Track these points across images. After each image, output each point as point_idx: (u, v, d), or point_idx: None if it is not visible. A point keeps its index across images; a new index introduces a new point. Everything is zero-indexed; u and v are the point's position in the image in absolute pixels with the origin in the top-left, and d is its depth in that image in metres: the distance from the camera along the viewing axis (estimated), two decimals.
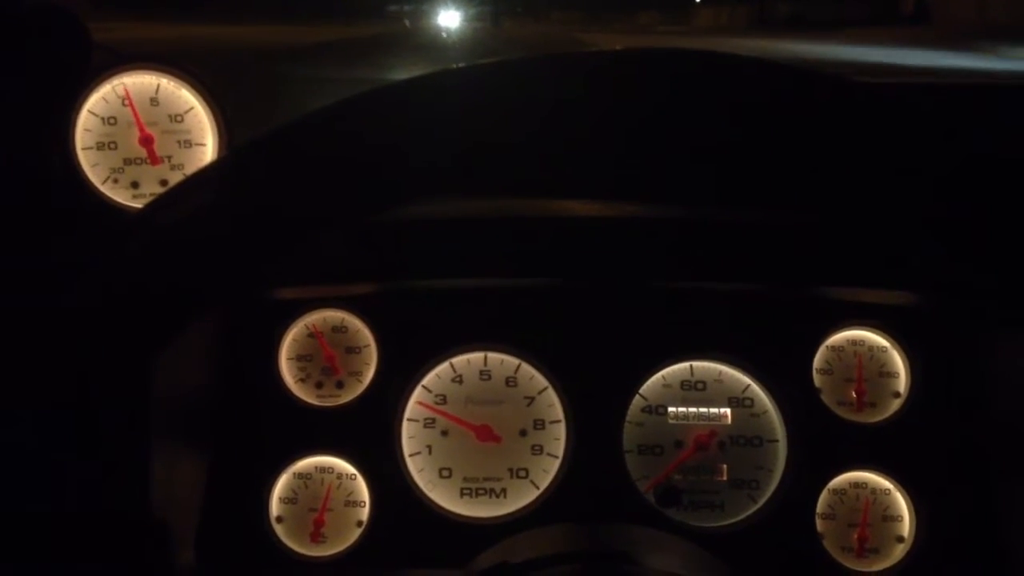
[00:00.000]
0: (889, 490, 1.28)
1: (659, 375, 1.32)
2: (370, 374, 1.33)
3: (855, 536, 1.27)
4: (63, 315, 0.74)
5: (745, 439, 1.30)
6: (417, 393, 1.32)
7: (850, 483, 1.28)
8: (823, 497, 1.28)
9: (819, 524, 1.27)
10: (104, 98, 1.21)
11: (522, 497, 1.30)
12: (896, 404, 1.30)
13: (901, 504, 1.28)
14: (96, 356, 0.75)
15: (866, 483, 1.28)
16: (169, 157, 1.23)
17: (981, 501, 1.25)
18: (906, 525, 1.27)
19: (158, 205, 0.73)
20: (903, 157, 0.63)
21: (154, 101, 1.22)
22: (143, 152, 1.21)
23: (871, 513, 1.28)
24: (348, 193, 0.71)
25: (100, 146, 1.21)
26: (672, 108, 0.67)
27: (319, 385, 1.33)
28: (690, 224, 1.27)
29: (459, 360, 1.33)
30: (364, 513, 1.29)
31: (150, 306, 0.75)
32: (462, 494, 1.30)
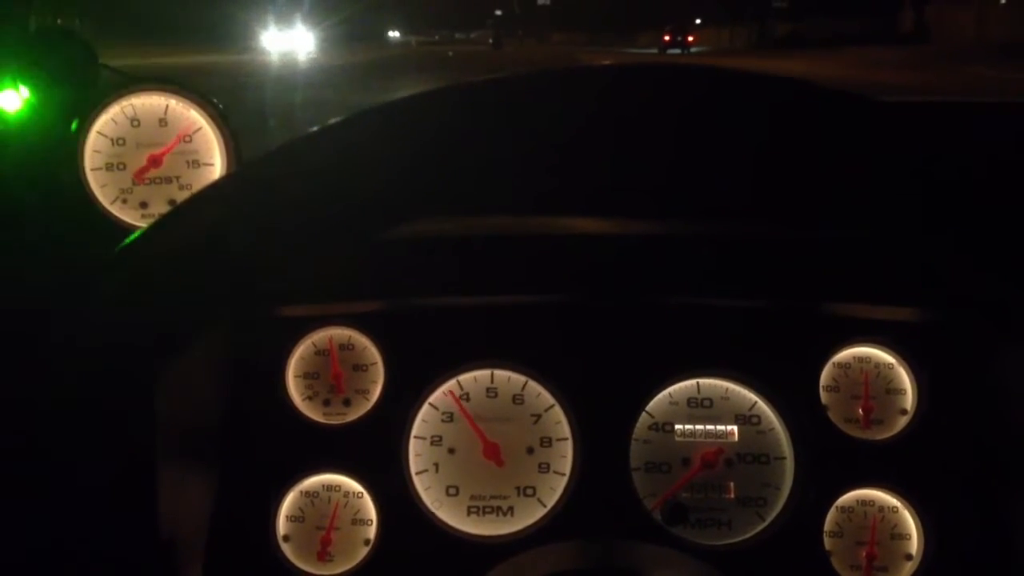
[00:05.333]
0: (897, 508, 1.28)
1: (666, 392, 1.32)
2: (377, 392, 1.33)
3: (863, 554, 1.26)
4: (68, 335, 0.75)
5: (752, 456, 1.30)
6: (434, 398, 1.32)
7: (858, 501, 1.28)
8: (831, 515, 1.27)
9: (827, 542, 1.27)
10: (113, 119, 1.21)
11: (529, 515, 1.29)
12: (903, 421, 1.30)
13: (909, 522, 1.27)
14: (102, 375, 0.75)
15: (874, 501, 1.28)
16: (178, 177, 1.23)
17: (989, 518, 1.24)
18: (914, 543, 1.27)
19: (160, 225, 0.74)
20: (924, 169, 0.64)
21: (163, 122, 1.23)
22: (151, 172, 1.22)
23: (879, 531, 1.27)
24: (349, 212, 0.71)
25: (109, 167, 1.21)
26: (683, 126, 0.68)
27: (326, 403, 1.33)
28: (697, 241, 1.28)
29: (466, 378, 1.33)
30: (371, 531, 1.29)
31: (153, 325, 0.75)
32: (469, 512, 1.30)
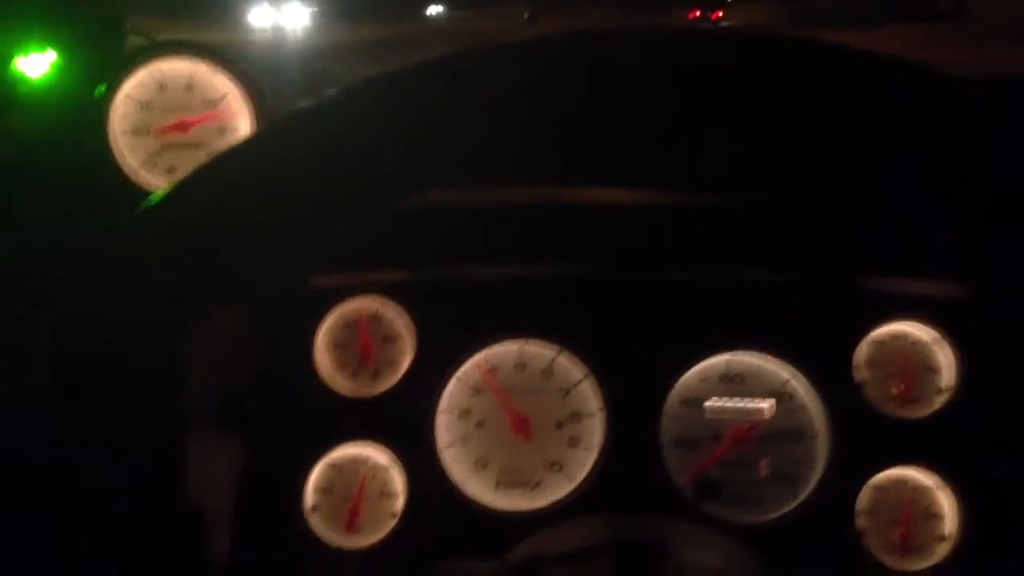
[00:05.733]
0: (932, 487, 1.25)
1: (697, 367, 1.30)
2: (405, 364, 1.31)
3: (897, 534, 1.24)
4: (93, 301, 0.74)
5: (785, 433, 1.28)
6: (463, 371, 1.31)
7: (892, 480, 1.26)
8: (864, 494, 1.25)
9: (860, 521, 1.25)
10: (141, 83, 1.20)
11: (558, 490, 1.28)
12: (941, 399, 1.27)
13: (944, 502, 1.25)
14: (127, 341, 0.74)
15: (908, 480, 1.26)
16: (206, 143, 1.22)
17: None
18: (948, 523, 1.25)
19: (181, 186, 0.73)
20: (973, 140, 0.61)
21: (189, 87, 1.22)
22: (180, 137, 1.21)
23: (913, 510, 1.25)
24: (372, 178, 0.70)
25: (136, 131, 1.20)
26: (713, 91, 0.66)
27: (355, 375, 1.32)
28: (730, 213, 1.25)
29: (495, 351, 1.31)
30: (399, 504, 1.28)
31: (178, 290, 0.74)
32: (497, 486, 1.29)
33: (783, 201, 1.23)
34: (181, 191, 0.73)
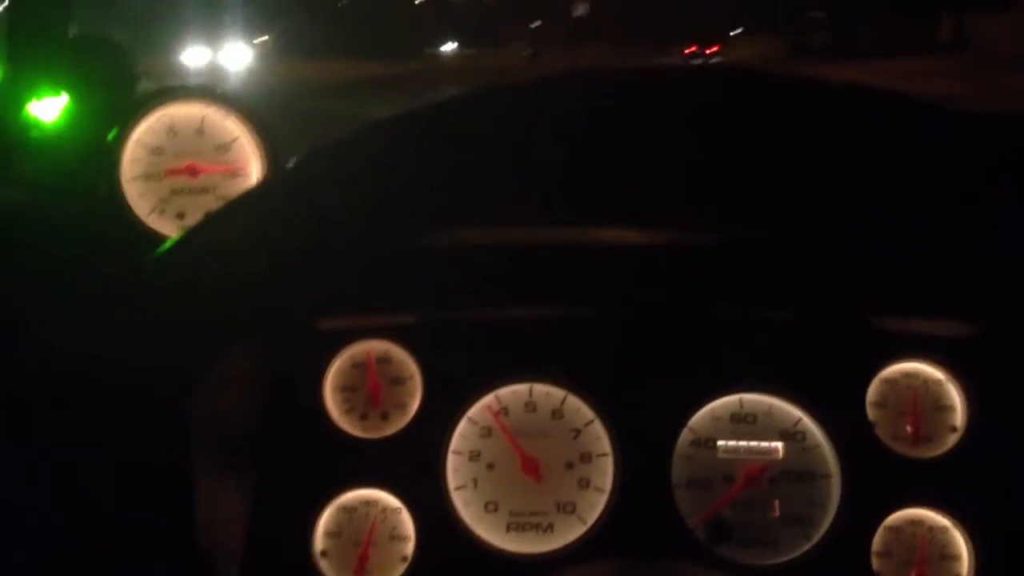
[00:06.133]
0: (947, 528, 1.24)
1: (708, 407, 1.29)
2: (415, 406, 1.31)
3: (913, 575, 1.23)
4: (103, 343, 0.74)
5: (797, 474, 1.27)
6: (472, 412, 1.30)
7: (906, 520, 1.25)
8: (879, 535, 1.24)
9: (875, 563, 1.23)
10: (151, 128, 1.21)
11: (569, 532, 1.27)
12: (953, 439, 1.26)
13: (959, 542, 1.24)
14: (138, 382, 0.74)
15: (923, 520, 1.25)
16: (215, 188, 1.22)
17: None
18: (965, 564, 1.23)
19: (195, 232, 0.73)
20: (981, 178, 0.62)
21: (199, 131, 1.22)
22: (189, 183, 1.21)
23: (929, 551, 1.24)
24: (381, 219, 0.70)
25: (147, 177, 1.21)
26: (721, 130, 0.66)
27: (364, 417, 1.31)
28: (740, 251, 1.25)
29: (504, 392, 1.31)
30: (409, 548, 1.27)
31: (188, 333, 0.74)
32: (508, 528, 1.28)
33: (791, 237, 1.23)
34: (194, 237, 0.73)
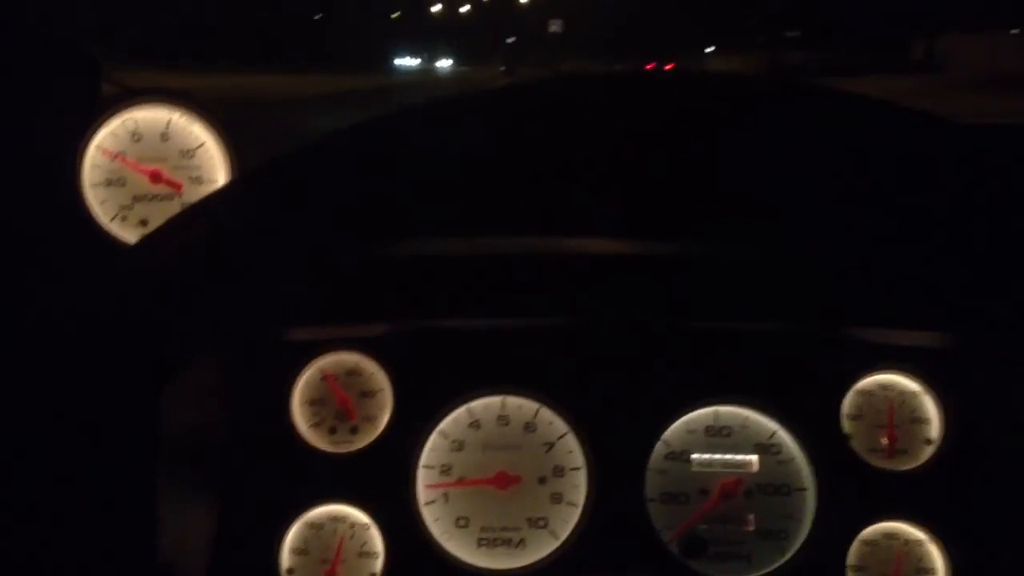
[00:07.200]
0: (923, 541, 1.23)
1: (683, 420, 1.27)
2: (385, 419, 1.29)
3: None
4: (66, 351, 0.72)
5: (772, 487, 1.26)
6: (444, 426, 1.28)
7: (882, 533, 1.23)
8: (854, 548, 1.23)
9: None
10: (113, 133, 1.18)
11: (542, 548, 1.25)
12: (929, 451, 1.25)
13: (935, 555, 1.23)
14: (101, 393, 0.72)
15: (899, 533, 1.23)
16: (179, 194, 1.20)
17: (1018, 551, 1.20)
18: None
19: (153, 240, 0.71)
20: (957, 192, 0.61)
21: (164, 136, 1.20)
22: (152, 189, 1.19)
23: (904, 565, 1.23)
24: (350, 228, 0.69)
25: (108, 183, 1.18)
26: (711, 138, 0.65)
27: (332, 431, 1.28)
28: (714, 263, 1.24)
29: (476, 404, 1.29)
30: (378, 564, 1.24)
31: (152, 342, 0.72)
32: (479, 544, 1.26)
33: (766, 250, 1.22)
34: (156, 241, 0.71)
